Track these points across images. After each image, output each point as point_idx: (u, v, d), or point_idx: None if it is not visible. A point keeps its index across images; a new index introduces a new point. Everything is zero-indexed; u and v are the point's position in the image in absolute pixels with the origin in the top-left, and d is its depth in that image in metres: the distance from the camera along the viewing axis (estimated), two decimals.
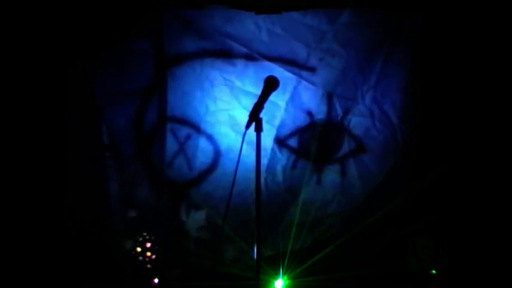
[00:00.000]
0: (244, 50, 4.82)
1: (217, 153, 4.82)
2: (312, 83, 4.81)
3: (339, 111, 4.81)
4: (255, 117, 3.36)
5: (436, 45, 4.72)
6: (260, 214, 3.37)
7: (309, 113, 4.78)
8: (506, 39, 4.65)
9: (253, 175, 4.73)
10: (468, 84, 4.70)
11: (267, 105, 4.75)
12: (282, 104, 4.76)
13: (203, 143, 4.83)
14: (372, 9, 4.79)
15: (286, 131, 4.83)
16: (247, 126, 3.36)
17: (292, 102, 4.75)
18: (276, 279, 4.62)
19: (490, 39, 4.66)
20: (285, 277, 4.59)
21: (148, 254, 4.66)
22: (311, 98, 4.80)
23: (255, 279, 3.29)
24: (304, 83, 4.78)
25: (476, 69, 4.68)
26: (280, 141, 4.84)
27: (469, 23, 4.68)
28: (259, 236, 3.31)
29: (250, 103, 4.80)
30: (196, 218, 4.80)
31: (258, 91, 4.75)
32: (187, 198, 4.81)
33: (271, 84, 3.44)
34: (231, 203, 4.76)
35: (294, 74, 4.74)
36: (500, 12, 4.64)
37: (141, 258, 4.65)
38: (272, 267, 4.66)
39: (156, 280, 4.66)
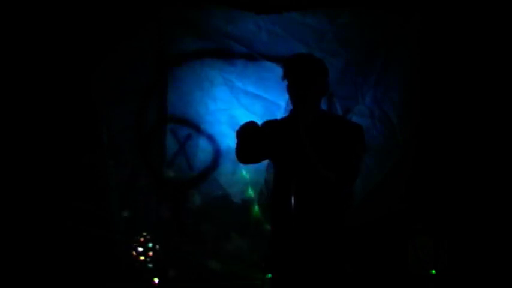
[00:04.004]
0: (244, 50, 4.82)
1: (217, 153, 4.82)
2: None
3: (339, 111, 4.80)
4: None
5: (435, 45, 4.73)
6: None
7: None
8: (505, 39, 4.65)
9: (253, 175, 4.77)
10: (468, 84, 4.70)
11: (266, 104, 4.83)
12: (282, 103, 4.75)
13: (203, 143, 4.83)
14: (371, 10, 4.79)
15: None
16: None
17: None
18: None
19: (489, 39, 4.66)
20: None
21: (148, 254, 4.66)
22: None
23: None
24: None
25: (476, 69, 4.69)
26: None
27: (468, 23, 4.68)
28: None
29: (250, 103, 4.82)
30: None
31: (258, 91, 4.81)
32: (187, 198, 4.81)
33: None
34: (230, 202, 4.81)
35: None
36: (499, 13, 4.65)
37: (141, 258, 4.65)
38: None
39: (156, 280, 4.66)
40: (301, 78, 3.15)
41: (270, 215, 3.36)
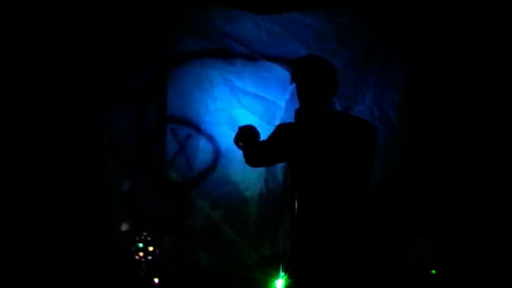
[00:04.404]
0: (244, 49, 4.82)
1: (217, 153, 4.82)
2: None
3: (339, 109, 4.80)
4: None
5: (435, 45, 4.73)
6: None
7: None
8: (505, 39, 4.65)
9: (253, 175, 4.77)
10: (468, 84, 4.70)
11: (266, 104, 4.83)
12: (282, 103, 4.76)
13: (203, 143, 4.83)
14: (371, 10, 4.79)
15: None
16: None
17: (292, 102, 4.73)
18: (276, 279, 4.62)
19: (489, 39, 4.66)
20: (285, 277, 4.58)
21: (148, 254, 4.66)
22: None
23: None
24: None
25: (476, 69, 4.69)
26: None
27: (467, 23, 4.68)
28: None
29: (250, 103, 4.82)
30: None
31: (257, 91, 4.82)
32: (187, 198, 4.81)
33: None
34: (230, 202, 4.81)
35: None
36: (498, 13, 4.65)
37: (140, 258, 4.65)
38: (272, 267, 4.65)
39: (156, 280, 4.66)
40: (307, 81, 3.16)
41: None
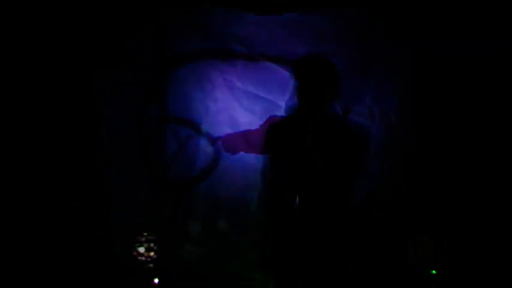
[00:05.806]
0: (244, 50, 4.82)
1: (217, 154, 4.82)
2: None
3: (339, 111, 4.79)
4: None
5: (435, 45, 4.73)
6: None
7: None
8: (505, 39, 4.65)
9: (253, 174, 4.76)
10: (468, 84, 4.71)
11: (267, 105, 4.83)
12: (282, 103, 4.75)
13: (204, 144, 4.83)
14: (371, 10, 4.79)
15: None
16: None
17: (292, 102, 4.75)
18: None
19: (489, 39, 4.67)
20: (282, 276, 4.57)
21: (148, 254, 4.67)
22: None
23: None
24: None
25: (476, 69, 4.69)
26: None
27: (468, 23, 4.68)
28: None
29: (250, 103, 4.82)
30: None
31: (258, 91, 4.82)
32: (187, 198, 4.81)
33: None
34: (231, 202, 4.81)
35: None
36: (499, 13, 4.65)
37: (141, 258, 4.65)
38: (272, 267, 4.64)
39: (156, 280, 4.66)
40: (311, 81, 3.15)
41: (268, 214, 3.36)
